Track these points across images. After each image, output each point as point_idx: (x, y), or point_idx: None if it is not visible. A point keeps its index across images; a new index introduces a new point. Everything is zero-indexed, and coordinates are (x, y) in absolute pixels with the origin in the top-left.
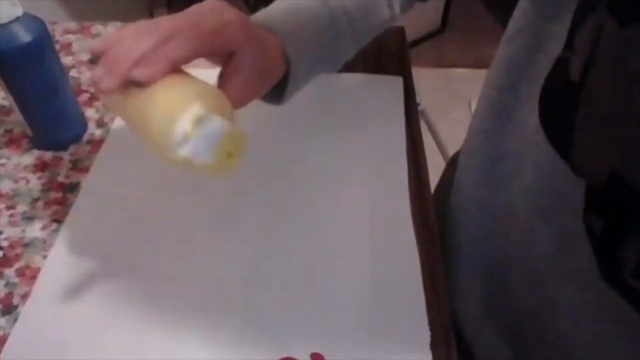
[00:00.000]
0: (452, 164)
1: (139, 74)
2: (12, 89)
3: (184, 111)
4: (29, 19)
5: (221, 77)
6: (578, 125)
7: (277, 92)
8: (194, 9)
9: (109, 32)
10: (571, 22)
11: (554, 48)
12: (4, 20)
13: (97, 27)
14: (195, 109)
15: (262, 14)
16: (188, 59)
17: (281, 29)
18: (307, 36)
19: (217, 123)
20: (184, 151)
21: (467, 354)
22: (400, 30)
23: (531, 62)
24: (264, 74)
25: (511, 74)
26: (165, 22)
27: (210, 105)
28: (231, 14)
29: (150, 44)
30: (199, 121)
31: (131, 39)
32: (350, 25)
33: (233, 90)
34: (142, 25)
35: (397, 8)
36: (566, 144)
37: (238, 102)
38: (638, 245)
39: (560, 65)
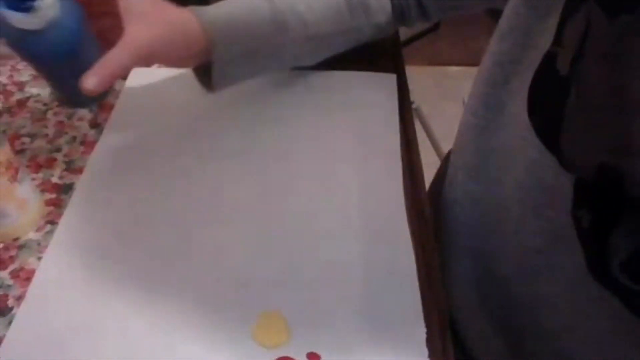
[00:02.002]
0: (447, 159)
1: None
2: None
3: None
4: (67, 8)
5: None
6: (566, 117)
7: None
8: None
9: None
10: (560, 16)
11: (545, 44)
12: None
13: None
14: None
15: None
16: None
17: (206, 16)
18: (239, 25)
19: None
20: None
21: (461, 347)
22: None
23: (523, 58)
24: (169, 44)
25: (504, 70)
26: None
27: None
28: None
29: None
30: None
31: None
32: (302, 25)
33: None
34: None
35: (382, 23)
36: (554, 137)
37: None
38: (626, 239)
39: (549, 60)
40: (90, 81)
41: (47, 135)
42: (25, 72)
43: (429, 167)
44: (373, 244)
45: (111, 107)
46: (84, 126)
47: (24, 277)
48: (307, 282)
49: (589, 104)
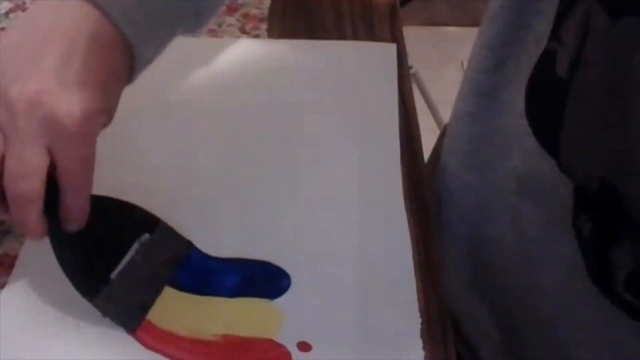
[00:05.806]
0: (442, 137)
1: None
2: None
3: None
4: None
5: None
6: (566, 126)
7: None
8: None
9: None
10: (557, 7)
11: (541, 24)
12: None
13: None
14: None
15: None
16: None
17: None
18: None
19: None
20: None
21: (456, 331)
22: None
23: (517, 40)
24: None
25: (496, 54)
26: None
27: None
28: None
29: None
30: None
31: None
32: None
33: None
34: None
35: None
36: (554, 143)
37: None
38: (627, 255)
39: (547, 58)
40: None
41: None
42: None
43: (426, 133)
44: (368, 231)
45: None
46: None
47: (9, 264)
48: (298, 271)
49: (588, 116)
